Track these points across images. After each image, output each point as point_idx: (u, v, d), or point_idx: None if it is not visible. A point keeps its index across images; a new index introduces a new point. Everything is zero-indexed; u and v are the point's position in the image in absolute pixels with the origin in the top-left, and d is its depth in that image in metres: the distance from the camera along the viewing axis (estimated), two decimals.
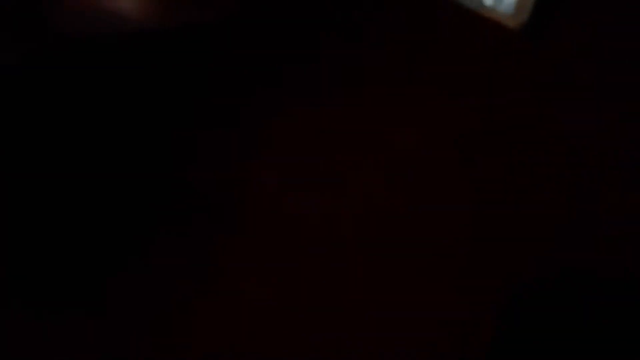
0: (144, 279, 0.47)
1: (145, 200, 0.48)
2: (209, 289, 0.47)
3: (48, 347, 0.46)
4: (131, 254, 0.47)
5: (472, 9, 0.51)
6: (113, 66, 0.50)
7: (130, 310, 0.46)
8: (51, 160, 0.49)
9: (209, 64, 0.50)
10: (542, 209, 0.49)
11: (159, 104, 0.49)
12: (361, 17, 0.51)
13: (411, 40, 0.50)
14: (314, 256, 0.47)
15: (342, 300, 0.47)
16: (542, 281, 0.47)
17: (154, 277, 0.47)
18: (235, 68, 0.50)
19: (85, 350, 0.46)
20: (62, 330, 0.46)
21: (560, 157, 0.50)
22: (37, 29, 0.48)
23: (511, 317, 0.48)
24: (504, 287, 0.48)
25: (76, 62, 0.50)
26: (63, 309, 0.46)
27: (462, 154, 0.49)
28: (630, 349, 0.47)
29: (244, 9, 0.51)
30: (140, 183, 0.48)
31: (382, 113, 0.49)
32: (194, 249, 0.47)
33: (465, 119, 0.50)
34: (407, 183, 0.49)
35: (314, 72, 0.50)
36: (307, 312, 0.47)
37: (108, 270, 0.47)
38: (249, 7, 0.51)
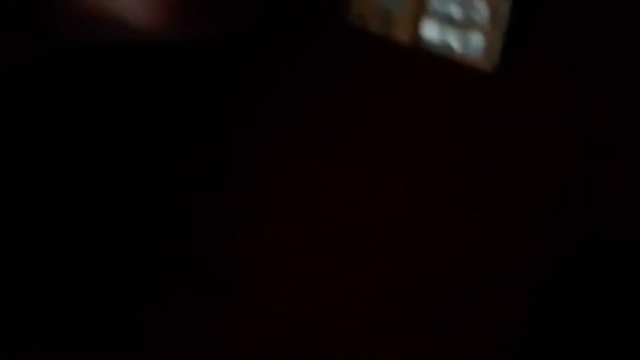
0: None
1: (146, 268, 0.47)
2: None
3: None
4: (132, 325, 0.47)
5: (444, 56, 0.49)
6: (113, 75, 0.50)
7: None
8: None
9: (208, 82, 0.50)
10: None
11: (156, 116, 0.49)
12: (338, 65, 0.49)
13: (387, 91, 0.48)
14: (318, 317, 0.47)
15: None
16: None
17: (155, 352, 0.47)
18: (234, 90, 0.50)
19: None
20: None
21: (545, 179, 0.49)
22: (42, 33, 0.46)
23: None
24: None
25: (77, 68, 0.50)
26: None
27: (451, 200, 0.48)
28: None
29: (254, 24, 0.50)
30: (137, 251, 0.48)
31: (368, 164, 0.49)
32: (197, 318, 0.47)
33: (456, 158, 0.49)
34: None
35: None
36: None
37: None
38: (261, 23, 0.50)
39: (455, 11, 0.49)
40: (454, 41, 0.49)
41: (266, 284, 0.47)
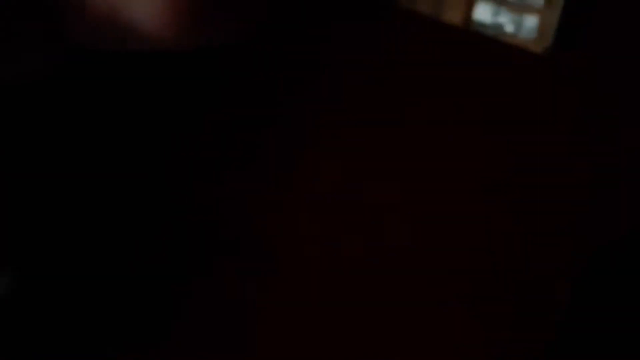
0: (180, 335, 0.47)
1: (177, 249, 0.48)
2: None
3: None
4: (165, 306, 0.47)
5: (494, 36, 0.48)
6: (125, 81, 0.51)
7: None
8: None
9: (218, 87, 0.50)
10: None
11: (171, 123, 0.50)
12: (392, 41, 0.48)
13: (437, 68, 0.48)
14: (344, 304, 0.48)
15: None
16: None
17: (190, 334, 0.47)
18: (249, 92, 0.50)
19: None
20: None
21: (585, 174, 0.48)
22: (55, 39, 0.48)
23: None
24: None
25: (90, 74, 0.51)
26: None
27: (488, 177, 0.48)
28: None
29: (259, 34, 0.51)
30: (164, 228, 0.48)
31: (413, 138, 0.49)
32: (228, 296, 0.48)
33: (493, 146, 0.48)
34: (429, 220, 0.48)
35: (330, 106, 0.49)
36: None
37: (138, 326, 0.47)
38: (266, 32, 0.51)
39: None
40: (507, 23, 0.48)
41: (293, 272, 0.48)
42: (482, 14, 0.48)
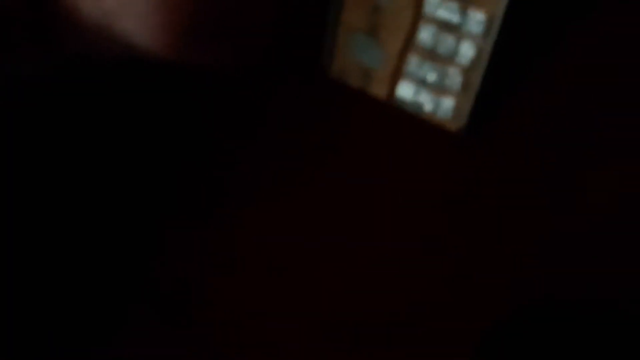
0: None
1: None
2: None
3: None
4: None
5: (413, 114, 0.53)
6: (118, 92, 0.52)
7: None
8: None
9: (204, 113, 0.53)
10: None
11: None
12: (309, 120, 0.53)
13: (357, 145, 0.53)
14: None
15: None
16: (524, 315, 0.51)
17: None
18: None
19: None
20: None
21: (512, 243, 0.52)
22: (50, 46, 0.48)
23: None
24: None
25: (84, 82, 0.52)
26: None
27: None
28: None
29: (264, 62, 0.53)
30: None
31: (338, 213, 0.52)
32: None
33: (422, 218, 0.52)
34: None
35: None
36: None
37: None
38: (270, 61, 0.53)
39: (430, 75, 0.52)
40: (426, 102, 0.53)
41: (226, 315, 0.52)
42: (405, 91, 0.53)
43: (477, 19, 0.50)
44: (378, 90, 0.53)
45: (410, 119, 0.54)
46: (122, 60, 0.50)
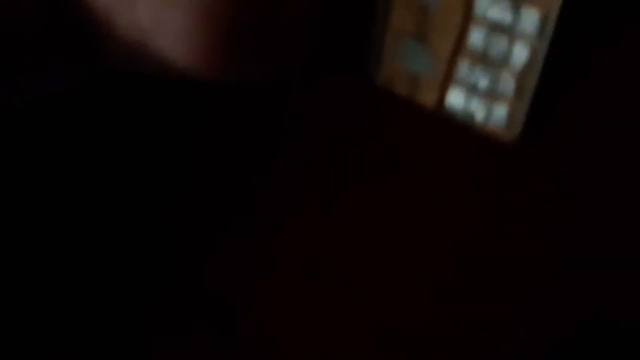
0: None
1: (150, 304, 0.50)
2: None
3: None
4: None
5: (464, 124, 0.51)
6: (149, 106, 0.52)
7: None
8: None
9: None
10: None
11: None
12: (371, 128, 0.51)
13: (404, 156, 0.50)
14: None
15: None
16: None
17: None
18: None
19: None
20: None
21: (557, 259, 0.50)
22: (85, 58, 0.48)
23: None
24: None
25: (114, 95, 0.52)
26: None
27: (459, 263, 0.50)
28: None
29: (306, 71, 0.52)
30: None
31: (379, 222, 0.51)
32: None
33: (462, 228, 0.50)
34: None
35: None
36: None
37: None
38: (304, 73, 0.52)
39: (482, 81, 0.50)
40: (478, 110, 0.50)
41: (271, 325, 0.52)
42: (455, 99, 0.50)
43: (530, 17, 0.47)
44: (427, 97, 0.51)
45: (460, 129, 0.51)
46: (156, 78, 0.50)
